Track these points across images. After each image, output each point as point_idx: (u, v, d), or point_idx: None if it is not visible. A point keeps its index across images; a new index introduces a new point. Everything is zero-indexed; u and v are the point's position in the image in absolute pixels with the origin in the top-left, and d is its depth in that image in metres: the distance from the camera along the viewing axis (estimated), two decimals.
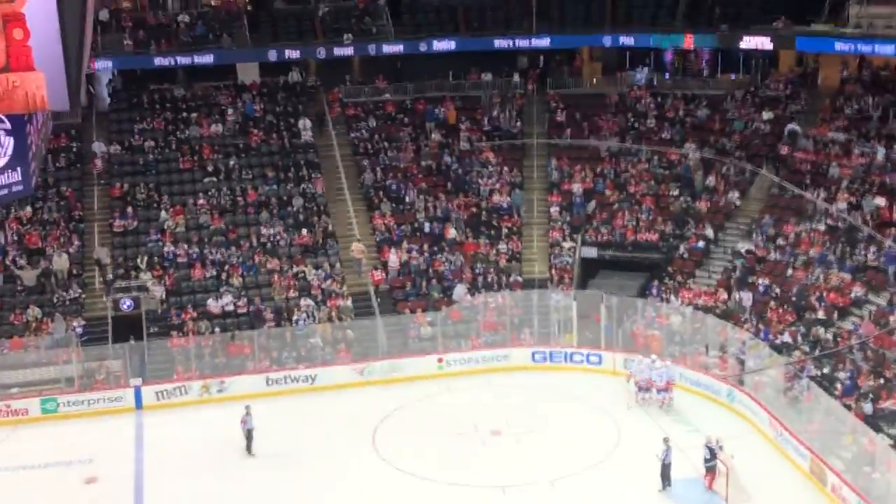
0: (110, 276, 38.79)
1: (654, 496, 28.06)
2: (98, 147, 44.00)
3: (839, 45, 41.27)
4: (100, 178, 43.22)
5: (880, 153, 39.90)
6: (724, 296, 37.76)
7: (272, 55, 45.13)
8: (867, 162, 40.03)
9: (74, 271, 39.33)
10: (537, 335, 38.34)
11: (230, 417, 33.67)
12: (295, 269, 40.08)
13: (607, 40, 46.44)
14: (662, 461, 28.25)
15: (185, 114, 45.92)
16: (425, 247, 41.41)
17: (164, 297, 38.31)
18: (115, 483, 29.98)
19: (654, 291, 39.10)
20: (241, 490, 29.19)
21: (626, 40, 45.97)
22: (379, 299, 39.66)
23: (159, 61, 44.70)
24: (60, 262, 39.09)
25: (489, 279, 40.26)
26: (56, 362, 35.90)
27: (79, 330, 37.05)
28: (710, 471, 28.18)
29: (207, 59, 44.77)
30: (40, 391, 35.29)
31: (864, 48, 41.05)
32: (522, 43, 46.81)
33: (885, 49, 39.18)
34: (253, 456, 30.91)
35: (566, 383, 35.89)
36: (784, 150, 42.26)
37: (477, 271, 40.53)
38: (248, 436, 31.11)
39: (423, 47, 46.04)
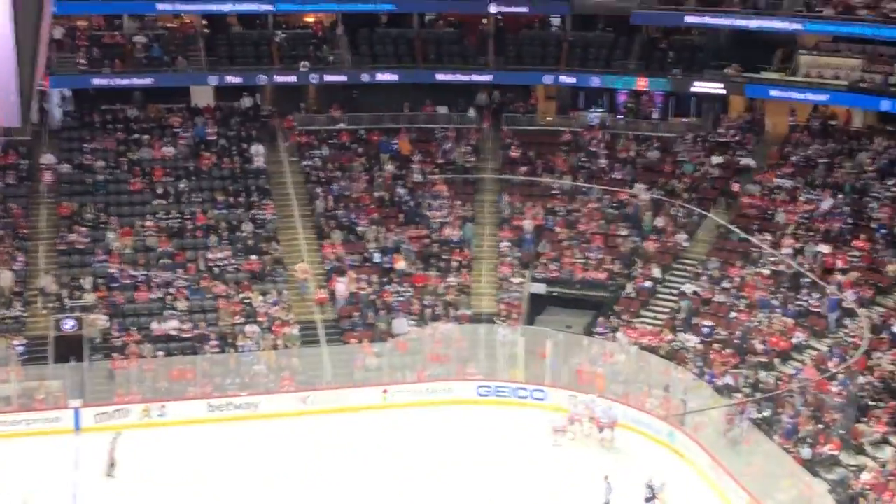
0: (55, 304, 38.27)
1: None
2: (48, 159, 43.57)
3: (785, 93, 42.20)
4: (48, 194, 42.76)
5: (826, 202, 40.51)
6: (669, 336, 38.05)
7: (212, 80, 45.08)
8: (812, 209, 40.63)
9: (17, 289, 38.82)
10: (484, 369, 38.36)
11: (170, 442, 33.45)
12: (241, 295, 39.85)
13: (549, 79, 46.95)
14: (604, 500, 28.35)
15: (137, 135, 45.62)
16: (374, 277, 41.36)
17: (107, 323, 37.77)
18: None
19: (601, 329, 39.30)
20: None
21: (568, 79, 46.55)
22: (326, 329, 39.52)
23: (112, 81, 44.45)
24: (4, 279, 38.59)
25: (437, 312, 40.27)
26: None
27: (19, 349, 36.54)
28: None
29: (150, 80, 44.62)
30: None
31: (812, 97, 41.97)
32: (463, 78, 47.10)
33: (822, 98, 40.44)
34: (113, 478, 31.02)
35: (511, 418, 35.90)
36: (735, 187, 42.76)
37: (425, 304, 40.53)
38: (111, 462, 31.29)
39: (365, 77, 46.14)
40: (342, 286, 40.60)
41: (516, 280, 41.97)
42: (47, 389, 35.46)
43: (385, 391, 37.25)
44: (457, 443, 33.87)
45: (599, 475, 29.21)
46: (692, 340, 37.44)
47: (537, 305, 41.51)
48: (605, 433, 33.42)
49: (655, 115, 48.70)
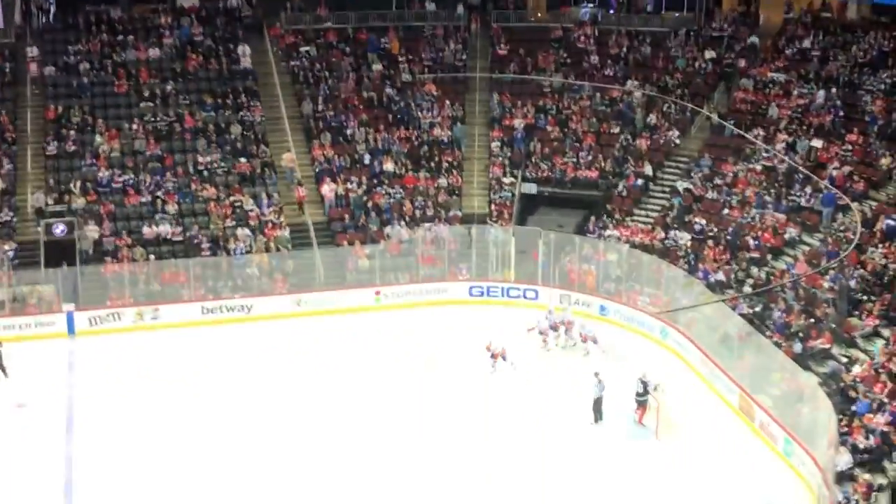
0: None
1: (587, 429, 28.39)
2: (33, 52, 43.04)
3: None
4: (34, 87, 42.20)
5: (820, 95, 40.17)
6: (661, 234, 38.03)
7: None
8: (806, 103, 40.31)
9: (5, 194, 38.60)
10: (475, 270, 38.38)
11: (164, 345, 33.59)
12: (232, 199, 39.64)
13: None
14: (595, 396, 28.57)
15: (121, 36, 44.91)
16: (364, 179, 41.12)
17: (98, 236, 37.48)
18: (46, 408, 29.69)
19: (592, 228, 39.24)
20: (171, 418, 29.04)
21: None
22: (317, 231, 39.41)
23: None
24: None
25: (428, 213, 40.13)
26: None
27: (10, 253, 36.44)
28: (642, 405, 28.55)
29: None
30: None
31: None
32: None
33: None
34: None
35: (503, 318, 36.00)
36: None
37: (416, 205, 40.37)
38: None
39: None
40: (328, 188, 40.37)
41: (507, 180, 41.77)
42: (40, 294, 35.42)
43: (378, 293, 37.29)
44: (449, 343, 33.98)
45: (591, 372, 29.35)
46: (684, 237, 37.42)
47: (528, 205, 41.40)
48: (588, 344, 33.26)
49: (648, 9, 48.00)
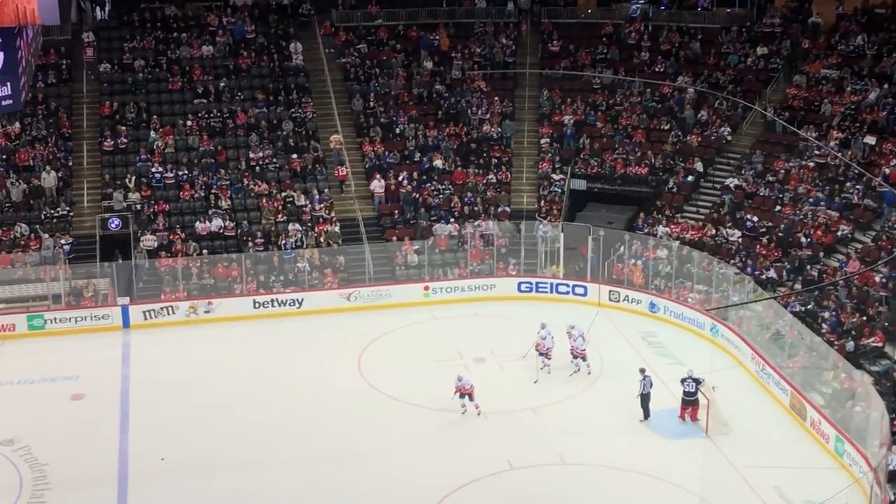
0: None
1: (634, 426, 28.39)
2: (88, 37, 43.90)
3: None
4: (89, 95, 42.89)
5: (873, 93, 39.81)
6: (712, 231, 37.90)
7: None
8: (859, 100, 39.96)
9: (63, 189, 39.24)
10: (524, 266, 38.48)
11: (217, 339, 34.01)
12: (283, 194, 40.02)
13: None
14: (640, 392, 28.57)
15: (175, 34, 45.45)
16: (414, 175, 41.32)
17: (156, 246, 37.76)
18: (102, 400, 30.17)
19: (642, 225, 39.18)
20: (226, 410, 29.39)
21: None
22: (366, 226, 39.68)
23: None
24: (48, 180, 38.94)
25: (477, 209, 40.28)
26: (43, 279, 35.95)
27: (66, 247, 37.04)
28: (692, 403, 28.47)
29: None
30: (27, 307, 35.39)
31: None
32: None
33: None
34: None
35: (552, 314, 36.00)
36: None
37: (465, 201, 40.51)
38: None
39: None
40: (379, 184, 40.64)
41: (556, 176, 41.77)
42: (95, 287, 35.99)
43: (427, 287, 37.50)
44: (497, 338, 34.10)
45: (637, 369, 29.37)
46: (735, 234, 37.26)
47: (578, 202, 41.39)
48: (577, 361, 31.66)
49: (700, 5, 47.73)
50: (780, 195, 38.09)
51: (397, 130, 43.13)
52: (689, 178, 40.46)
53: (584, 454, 26.96)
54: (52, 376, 31.52)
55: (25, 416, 29.08)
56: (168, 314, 35.64)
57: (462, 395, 28.84)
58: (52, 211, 38.32)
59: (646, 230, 38.79)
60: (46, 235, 37.20)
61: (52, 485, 25.77)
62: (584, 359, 31.50)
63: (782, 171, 38.96)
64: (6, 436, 27.89)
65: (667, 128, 42.49)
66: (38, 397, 30.42)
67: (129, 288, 36.04)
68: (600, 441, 27.63)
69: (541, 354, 31.46)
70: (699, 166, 40.70)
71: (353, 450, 27.22)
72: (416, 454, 27.03)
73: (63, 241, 37.20)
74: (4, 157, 39.81)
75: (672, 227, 38.60)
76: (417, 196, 40.64)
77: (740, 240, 36.99)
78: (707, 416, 28.05)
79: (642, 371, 28.90)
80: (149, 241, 37.45)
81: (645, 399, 28.69)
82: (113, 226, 37.69)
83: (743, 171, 39.86)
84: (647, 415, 28.64)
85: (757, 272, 35.06)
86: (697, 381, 28.41)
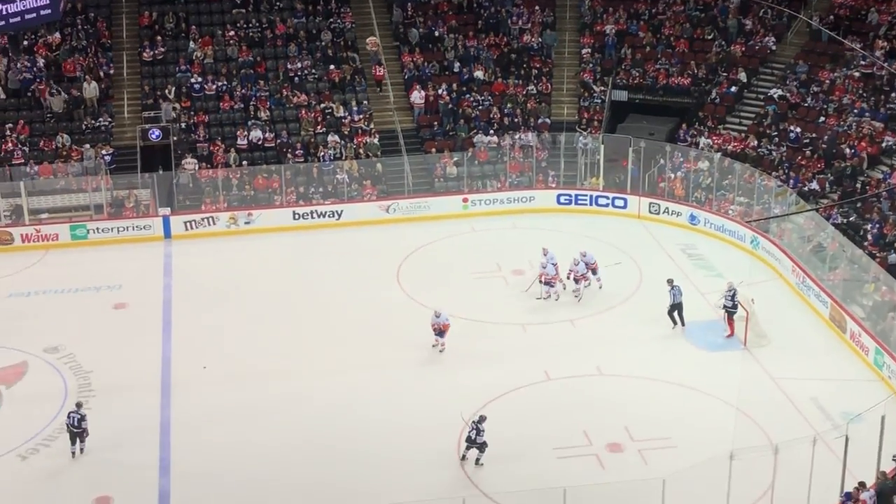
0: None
1: (672, 338, 28.42)
2: None
3: None
4: (128, 5, 42.72)
5: None
6: (754, 142, 37.46)
7: None
8: None
9: (104, 100, 39.33)
10: (563, 178, 38.30)
11: (257, 249, 34.24)
12: (322, 105, 39.90)
13: None
14: (671, 303, 28.56)
15: None
16: (454, 86, 41.02)
17: (195, 169, 37.70)
18: (144, 309, 30.59)
19: (683, 136, 38.79)
20: (265, 320, 29.71)
21: None
22: (405, 138, 39.54)
23: None
24: (89, 91, 39.01)
25: (516, 120, 39.99)
26: (85, 189, 36.24)
27: (107, 158, 37.25)
28: (730, 315, 28.42)
29: None
30: (70, 217, 35.77)
31: None
32: None
33: None
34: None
35: (591, 226, 35.97)
36: None
37: (505, 112, 40.23)
38: None
39: None
40: (418, 94, 40.39)
41: (598, 87, 41.32)
42: (137, 198, 36.26)
43: (465, 199, 37.46)
44: (536, 250, 34.04)
45: (678, 281, 29.29)
46: (778, 146, 36.81)
47: (619, 113, 40.95)
48: (580, 285, 30.93)
49: None
50: (825, 106, 37.50)
51: (437, 40, 42.70)
52: (733, 88, 39.88)
53: (620, 365, 27.07)
54: (95, 285, 31.97)
55: (70, 324, 29.57)
56: (209, 225, 35.91)
57: (438, 333, 27.79)
58: (93, 122, 38.47)
59: (687, 142, 38.41)
60: (88, 146, 37.36)
61: (96, 391, 26.29)
62: (576, 281, 30.85)
63: (827, 82, 38.32)
64: (51, 343, 28.42)
65: (710, 37, 41.79)
66: (81, 306, 30.89)
67: (170, 199, 36.27)
68: (637, 353, 27.70)
69: (545, 284, 30.83)
70: (742, 77, 40.08)
71: (390, 359, 27.49)
72: (453, 364, 27.24)
73: (104, 152, 37.39)
74: (46, 67, 39.85)
75: (714, 138, 38.19)
76: (457, 107, 40.39)
77: (783, 151, 36.52)
78: (746, 328, 28.01)
79: (670, 282, 28.84)
80: (189, 164, 37.47)
81: (675, 308, 28.64)
82: (153, 137, 37.81)
83: (787, 82, 39.23)
84: (681, 322, 28.63)
85: (799, 184, 34.70)
86: (734, 294, 28.29)
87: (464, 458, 23.28)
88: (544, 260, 30.87)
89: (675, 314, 28.74)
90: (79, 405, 24.02)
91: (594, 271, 31.16)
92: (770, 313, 28.94)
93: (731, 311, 28.38)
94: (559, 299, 30.78)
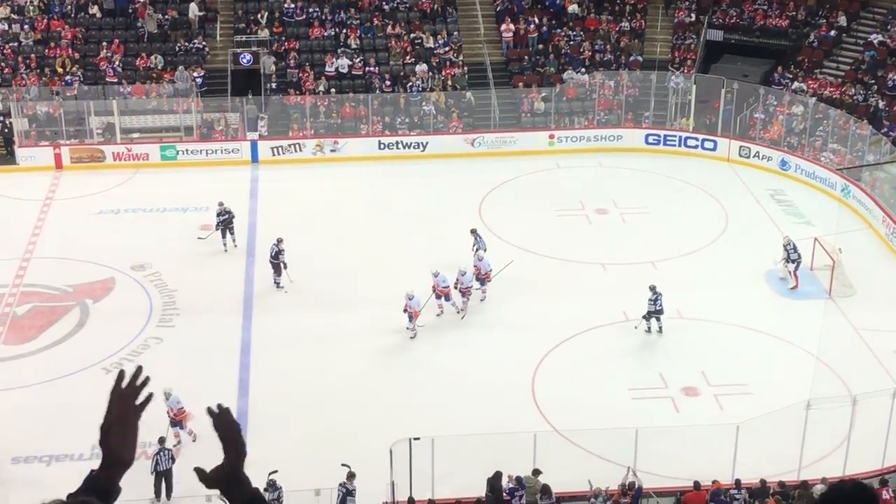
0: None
1: (756, 284, 28.08)
2: None
3: None
4: None
5: None
6: (851, 88, 36.55)
7: None
8: None
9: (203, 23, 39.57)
10: (653, 118, 37.82)
11: (342, 177, 34.46)
12: (412, 35, 39.76)
13: None
14: (650, 309, 25.75)
15: None
16: (545, 20, 40.55)
17: (274, 67, 38.03)
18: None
19: (779, 79, 37.97)
20: (348, 248, 29.94)
21: None
22: (494, 71, 39.25)
23: None
24: (192, 10, 39.19)
25: (607, 58, 39.47)
26: (176, 111, 36.70)
27: (198, 80, 37.60)
28: (797, 266, 27.79)
29: None
30: (160, 138, 36.29)
31: None
32: None
33: None
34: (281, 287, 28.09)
35: (679, 168, 35.55)
36: None
37: (596, 48, 39.71)
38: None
39: None
40: (507, 28, 40.02)
41: (693, 26, 40.53)
42: (226, 121, 36.64)
43: (552, 136, 37.20)
44: (621, 190, 33.86)
45: (770, 230, 28.86)
46: (876, 94, 35.91)
47: (713, 53, 40.15)
48: (466, 298, 26.98)
49: None
50: None
51: None
52: (832, 32, 38.87)
53: (701, 309, 26.87)
54: (182, 206, 32.46)
55: (157, 243, 30.09)
56: (295, 151, 36.17)
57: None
58: (187, 44, 38.80)
59: (782, 85, 37.60)
60: (181, 68, 37.72)
61: (180, 310, 26.86)
62: (447, 297, 26.72)
63: None
64: (138, 261, 29.01)
65: None
66: (169, 226, 31.40)
67: (259, 123, 36.55)
68: (719, 298, 27.41)
69: (478, 279, 27.18)
70: (843, 20, 39.02)
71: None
72: (532, 300, 27.23)
73: (196, 74, 37.73)
74: None
75: (810, 82, 37.33)
76: (547, 41, 39.96)
77: (881, 99, 35.60)
78: (831, 278, 27.57)
79: (653, 288, 25.72)
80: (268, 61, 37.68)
81: (654, 315, 25.81)
82: (244, 61, 38.06)
83: (889, 28, 38.09)
84: (658, 329, 26.02)
85: (894, 132, 33.84)
86: (792, 246, 27.73)
87: None
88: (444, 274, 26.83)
89: (653, 320, 25.96)
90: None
91: (482, 280, 27.29)
92: (857, 263, 28.46)
93: (797, 261, 27.80)
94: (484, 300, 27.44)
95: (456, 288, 26.63)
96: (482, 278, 27.20)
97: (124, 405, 3.75)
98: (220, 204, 29.74)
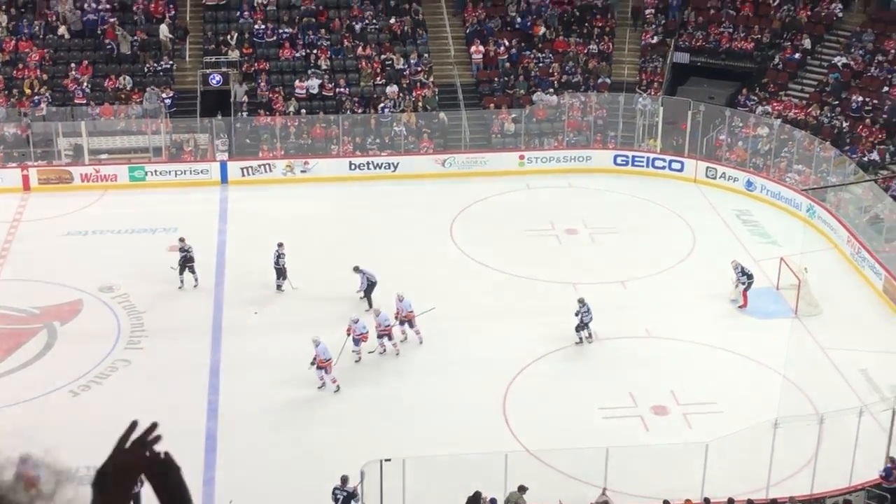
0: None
1: (722, 304, 28.29)
2: None
3: None
4: None
5: None
6: (816, 110, 36.98)
7: None
8: None
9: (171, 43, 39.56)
10: (621, 139, 38.11)
11: (312, 198, 34.49)
12: (383, 57, 39.90)
13: None
14: (580, 322, 26.19)
15: None
16: (514, 42, 40.82)
17: (245, 98, 38.09)
18: (198, 252, 30.66)
19: (744, 101, 38.37)
20: (318, 269, 29.89)
21: None
22: (464, 93, 39.45)
23: None
24: (163, 31, 39.18)
25: (576, 79, 39.76)
26: (145, 132, 36.63)
27: (167, 101, 37.56)
28: (746, 288, 28.05)
29: None
30: (129, 159, 36.21)
31: None
32: None
33: None
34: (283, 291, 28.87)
35: (647, 188, 35.82)
36: None
37: (565, 70, 39.99)
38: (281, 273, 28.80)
39: None
40: (476, 49, 40.25)
41: (659, 48, 40.92)
42: (195, 142, 36.60)
43: (522, 157, 37.40)
44: (591, 210, 34.07)
45: (733, 247, 29.11)
46: (838, 115, 36.34)
47: (680, 75, 40.59)
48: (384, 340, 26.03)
49: None
50: (889, 76, 36.91)
51: None
52: (796, 55, 39.35)
53: (670, 328, 27.03)
54: (151, 227, 32.35)
55: (125, 264, 29.93)
56: (265, 171, 36.17)
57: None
58: (156, 64, 38.75)
59: (748, 107, 38.00)
60: (151, 88, 37.65)
61: (148, 332, 26.75)
62: (389, 337, 25.95)
63: (892, 51, 37.67)
64: (106, 283, 28.88)
65: (775, 2, 41.20)
66: (137, 247, 31.27)
67: (228, 144, 36.55)
68: (687, 317, 27.63)
69: (379, 337, 25.90)
70: (807, 43, 39.52)
71: (441, 313, 27.49)
72: (502, 321, 27.29)
73: (164, 95, 37.69)
74: (112, 9, 40.12)
75: (774, 104, 37.75)
76: (517, 63, 40.21)
77: (844, 120, 36.02)
78: (797, 297, 27.83)
79: (581, 301, 26.24)
80: (240, 90, 37.74)
81: (584, 327, 26.31)
82: (214, 82, 38.06)
83: (852, 50, 38.62)
84: (587, 336, 26.45)
85: (859, 154, 34.26)
86: (743, 271, 28.03)
87: None
88: (401, 305, 26.27)
89: (583, 332, 26.30)
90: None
91: (409, 322, 26.33)
92: (823, 283, 28.74)
93: (746, 283, 28.00)
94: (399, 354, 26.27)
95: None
96: (404, 319, 26.18)
97: (128, 456, 3.69)
98: (181, 240, 28.88)
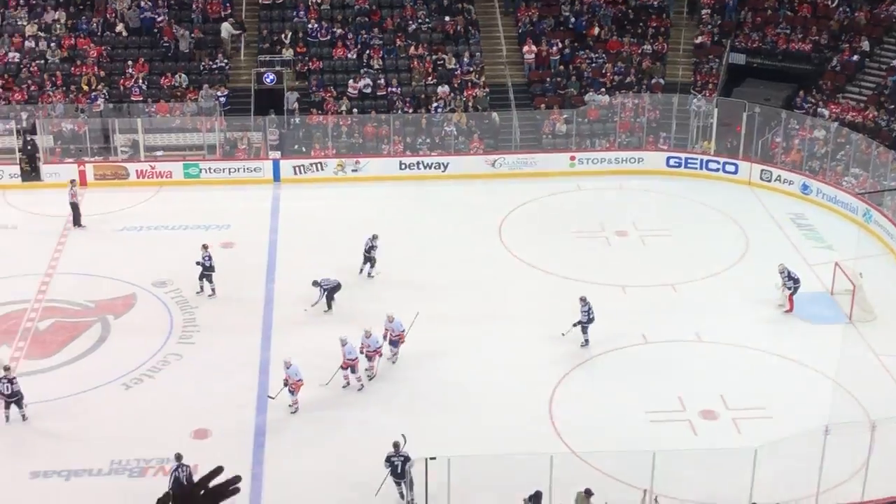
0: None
1: (774, 308, 28.00)
2: None
3: None
4: None
5: None
6: (874, 112, 36.48)
7: None
8: None
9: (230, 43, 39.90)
10: (674, 140, 37.83)
11: (363, 197, 34.60)
12: (435, 57, 39.94)
13: None
14: (580, 319, 25.96)
15: None
16: (567, 42, 40.67)
17: (296, 105, 38.26)
18: (250, 249, 31.17)
19: (801, 103, 37.94)
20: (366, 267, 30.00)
21: None
22: (516, 93, 39.39)
23: None
24: (224, 30, 39.55)
25: (629, 80, 39.54)
26: (200, 129, 36.97)
27: (222, 99, 37.87)
28: (793, 292, 27.71)
29: None
30: (184, 156, 36.55)
31: None
32: None
33: None
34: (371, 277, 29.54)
35: (700, 190, 35.54)
36: None
37: (617, 71, 39.78)
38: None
39: None
40: (529, 49, 40.16)
41: (715, 49, 40.58)
42: (249, 140, 36.88)
43: (573, 157, 37.25)
44: (641, 212, 33.89)
45: (786, 251, 28.77)
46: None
47: (735, 76, 40.19)
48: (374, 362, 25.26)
49: None
50: None
51: None
52: (854, 57, 38.84)
53: (720, 333, 26.79)
54: (204, 224, 32.65)
55: (178, 260, 30.09)
56: (317, 170, 36.36)
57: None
58: (212, 63, 39.09)
59: (804, 109, 37.56)
60: (206, 86, 38.00)
61: (200, 327, 27.00)
62: (353, 369, 24.73)
63: None
64: (160, 278, 29.19)
65: (834, 3, 40.70)
66: (190, 243, 31.42)
67: (281, 143, 36.80)
68: (738, 321, 27.37)
69: (391, 343, 25.63)
70: (865, 45, 38.99)
71: (488, 314, 27.54)
72: (551, 323, 27.18)
73: (219, 93, 38.01)
74: (168, 6, 40.57)
75: (832, 107, 37.29)
76: (569, 64, 40.07)
77: None
78: (852, 302, 27.47)
79: (583, 300, 26.08)
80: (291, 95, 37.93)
81: (583, 326, 26.08)
82: (268, 80, 38.32)
83: None
84: (584, 343, 26.03)
85: None
86: (787, 273, 27.65)
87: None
88: (391, 326, 25.61)
89: (583, 331, 26.09)
90: (6, 368, 23.46)
91: (395, 343, 25.66)
92: (878, 288, 28.31)
93: (793, 288, 27.65)
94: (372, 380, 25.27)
95: (362, 353, 24.77)
96: (394, 340, 25.64)
97: (201, 498, 3.68)
98: (204, 247, 28.51)
